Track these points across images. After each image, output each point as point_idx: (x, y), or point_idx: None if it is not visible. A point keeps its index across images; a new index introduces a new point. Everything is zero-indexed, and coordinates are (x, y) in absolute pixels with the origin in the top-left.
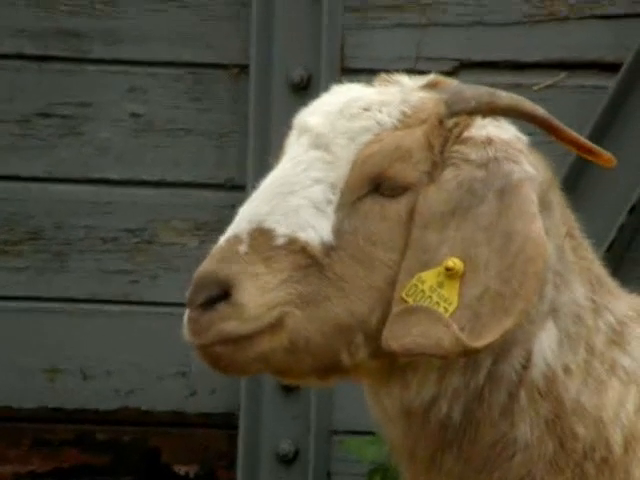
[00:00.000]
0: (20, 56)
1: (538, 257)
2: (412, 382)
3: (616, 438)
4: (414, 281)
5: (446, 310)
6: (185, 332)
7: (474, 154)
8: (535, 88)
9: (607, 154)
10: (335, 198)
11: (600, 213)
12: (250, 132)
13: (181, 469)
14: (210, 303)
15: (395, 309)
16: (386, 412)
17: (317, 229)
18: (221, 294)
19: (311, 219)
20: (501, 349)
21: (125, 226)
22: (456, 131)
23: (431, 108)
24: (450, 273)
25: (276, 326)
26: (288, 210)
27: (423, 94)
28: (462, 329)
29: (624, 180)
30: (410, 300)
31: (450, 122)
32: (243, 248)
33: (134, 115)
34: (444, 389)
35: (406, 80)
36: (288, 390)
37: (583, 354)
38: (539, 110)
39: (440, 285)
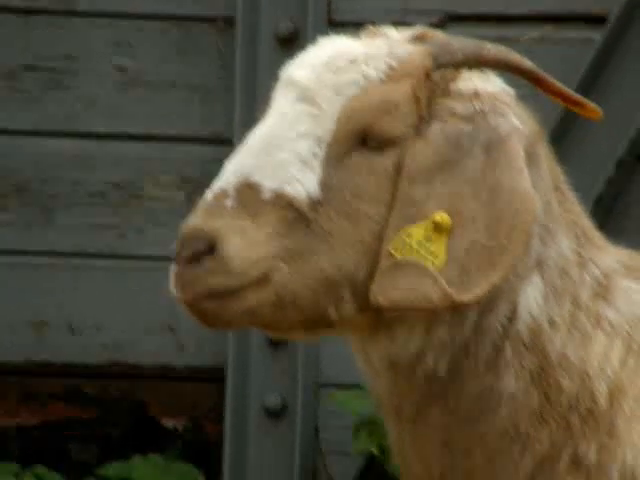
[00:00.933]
0: (6, 9)
1: (526, 211)
2: (399, 335)
3: (601, 390)
4: (402, 235)
5: (434, 264)
6: (171, 287)
7: (460, 107)
8: (522, 39)
9: (593, 105)
10: (322, 152)
11: (588, 166)
12: (237, 86)
13: (169, 422)
14: (196, 258)
15: (383, 263)
16: (373, 366)
17: (304, 183)
18: (207, 248)
19: (298, 173)
20: (487, 302)
21: (112, 180)
22: (442, 83)
23: (418, 61)
24: (437, 227)
25: (263, 280)
26: (275, 164)
27: (410, 47)
28: (450, 283)
29: (611, 133)
30: (398, 254)
31: (437, 75)
32: (230, 202)
33: (120, 69)
34: (431, 342)
35: (393, 32)
36: (275, 344)
37: (569, 307)
38: (526, 62)
39: (427, 239)
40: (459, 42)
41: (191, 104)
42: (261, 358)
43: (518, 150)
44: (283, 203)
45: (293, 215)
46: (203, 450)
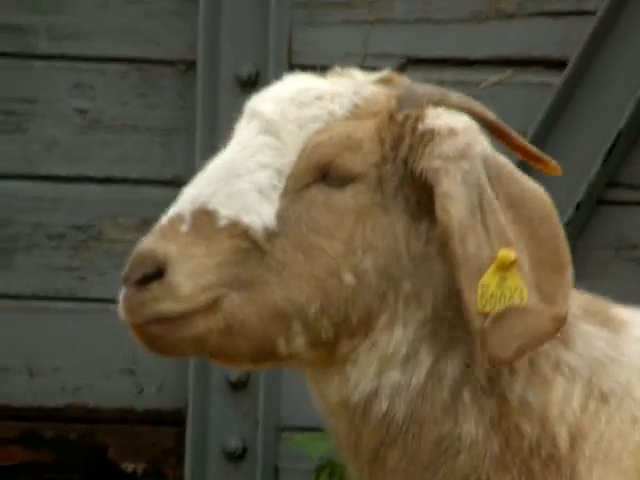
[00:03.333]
0: None
1: (547, 207)
2: (351, 375)
3: (562, 434)
4: (479, 292)
5: (522, 298)
6: (120, 310)
7: (449, 149)
8: (482, 86)
9: (553, 163)
10: (281, 184)
11: None
12: (198, 128)
13: (128, 466)
14: (145, 281)
15: (479, 325)
16: (329, 405)
17: (261, 214)
18: (156, 272)
19: (255, 204)
20: (445, 345)
21: (72, 223)
22: (409, 124)
23: (383, 102)
24: (504, 265)
25: (212, 307)
26: (233, 193)
27: (375, 88)
28: (558, 312)
29: (570, 178)
30: (488, 309)
31: (400, 116)
32: (184, 228)
33: (80, 111)
34: (383, 384)
35: (359, 74)
36: (236, 387)
37: (527, 355)
38: (489, 113)
39: (503, 279)
40: (423, 88)
41: (152, 147)
42: (221, 401)
43: (506, 162)
44: (238, 232)
45: (247, 245)
46: None
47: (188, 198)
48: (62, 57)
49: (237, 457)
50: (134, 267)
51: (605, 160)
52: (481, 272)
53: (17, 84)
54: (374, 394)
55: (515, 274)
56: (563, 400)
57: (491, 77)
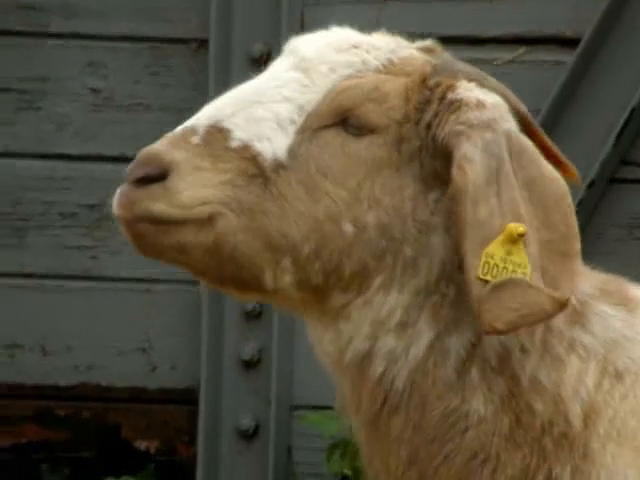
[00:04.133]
0: None
1: (561, 191)
2: (344, 331)
3: (575, 413)
4: (484, 259)
5: (525, 274)
6: (113, 204)
7: (475, 118)
8: (495, 63)
9: (573, 169)
10: (300, 120)
11: None
12: None
13: (141, 445)
14: (146, 181)
15: (478, 291)
16: (328, 356)
17: (273, 143)
18: (159, 175)
19: (270, 132)
20: (448, 323)
21: (84, 201)
22: (439, 91)
23: (418, 65)
24: (513, 239)
25: (205, 222)
26: (250, 118)
27: (415, 52)
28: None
29: (583, 155)
30: (489, 277)
31: (432, 81)
32: (195, 139)
33: (93, 90)
34: (378, 347)
35: (403, 40)
36: (248, 366)
37: (540, 334)
38: (522, 106)
39: (509, 253)
40: (463, 65)
41: (164, 125)
42: (234, 380)
43: (529, 144)
44: (248, 155)
45: (254, 170)
46: (176, 472)
47: (206, 114)
48: (75, 36)
49: (249, 436)
50: (138, 165)
51: (618, 138)
52: (488, 240)
53: (30, 63)
54: (368, 355)
55: (521, 250)
56: (577, 379)
57: (504, 55)
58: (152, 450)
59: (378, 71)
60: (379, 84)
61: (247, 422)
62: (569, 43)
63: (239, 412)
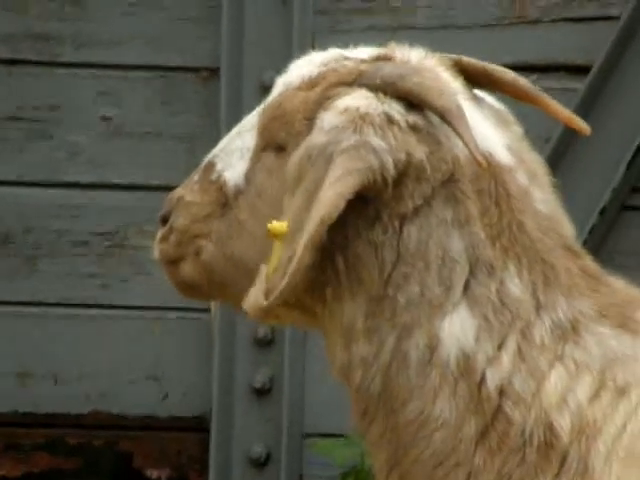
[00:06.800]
0: None
1: (317, 219)
2: (328, 344)
3: (563, 424)
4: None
5: (267, 273)
6: None
7: (326, 122)
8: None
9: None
10: (254, 145)
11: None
12: (221, 136)
13: (153, 473)
14: (163, 221)
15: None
16: (332, 369)
17: (235, 171)
18: (168, 215)
19: (235, 161)
20: (404, 327)
21: (96, 230)
22: (331, 98)
23: (336, 76)
24: (275, 236)
25: (195, 256)
26: (229, 149)
27: (352, 63)
28: (268, 291)
29: (594, 183)
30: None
31: (333, 92)
32: (196, 176)
33: (104, 119)
34: (353, 356)
35: (367, 50)
36: (260, 393)
37: (514, 345)
38: (440, 101)
39: (275, 248)
40: (391, 68)
41: (176, 153)
42: (245, 407)
43: (346, 164)
44: (220, 186)
45: (223, 199)
46: None
47: (213, 150)
48: (86, 65)
49: (261, 464)
50: (164, 207)
51: (629, 166)
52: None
53: (42, 91)
54: (348, 364)
55: (277, 248)
56: (564, 389)
57: None
58: (164, 478)
59: (298, 87)
60: (282, 101)
61: (259, 450)
62: (580, 70)
63: (251, 440)
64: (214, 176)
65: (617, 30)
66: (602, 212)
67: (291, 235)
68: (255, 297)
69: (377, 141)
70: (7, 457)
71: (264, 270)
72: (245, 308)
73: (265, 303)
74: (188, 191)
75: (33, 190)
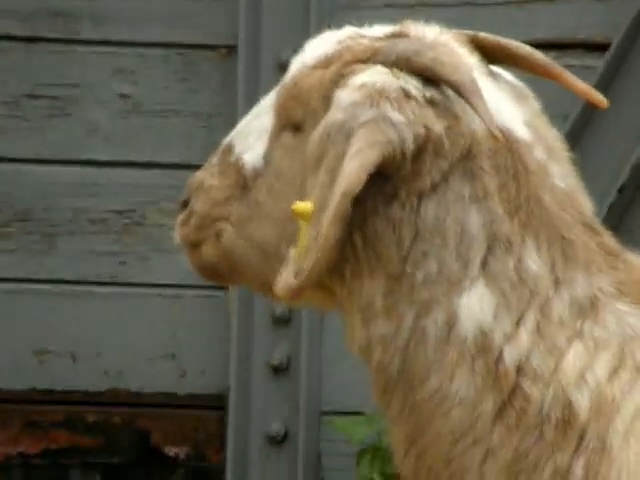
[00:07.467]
0: (8, 37)
1: (341, 194)
2: (348, 323)
3: (581, 401)
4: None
5: (295, 254)
6: None
7: (343, 98)
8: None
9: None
10: (271, 126)
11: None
12: (239, 113)
13: (171, 450)
14: (183, 205)
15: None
16: (352, 349)
17: (254, 153)
18: (188, 199)
19: (254, 142)
20: (423, 304)
21: (114, 207)
22: (347, 75)
23: (351, 54)
24: (302, 217)
25: (215, 239)
26: (248, 131)
27: (367, 40)
28: (297, 273)
29: (612, 160)
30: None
31: (347, 69)
32: (214, 159)
33: (122, 96)
34: (372, 335)
35: (381, 29)
36: (277, 371)
37: (533, 321)
38: (456, 75)
39: (301, 229)
40: (406, 44)
41: (193, 131)
42: (263, 385)
43: (366, 137)
44: (239, 168)
45: (243, 182)
46: (205, 478)
47: (231, 133)
48: (104, 42)
49: (279, 441)
50: (184, 192)
51: None
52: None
53: (60, 69)
54: (367, 343)
55: (304, 229)
56: (583, 367)
57: None
58: (182, 456)
59: (314, 66)
60: (298, 80)
61: (276, 428)
62: (598, 48)
63: (268, 418)
64: (233, 158)
65: (636, 6)
66: (620, 190)
67: (316, 214)
68: (285, 279)
69: (396, 115)
70: (26, 434)
71: (292, 252)
72: (276, 291)
73: (295, 283)
74: (208, 175)
75: (51, 168)
